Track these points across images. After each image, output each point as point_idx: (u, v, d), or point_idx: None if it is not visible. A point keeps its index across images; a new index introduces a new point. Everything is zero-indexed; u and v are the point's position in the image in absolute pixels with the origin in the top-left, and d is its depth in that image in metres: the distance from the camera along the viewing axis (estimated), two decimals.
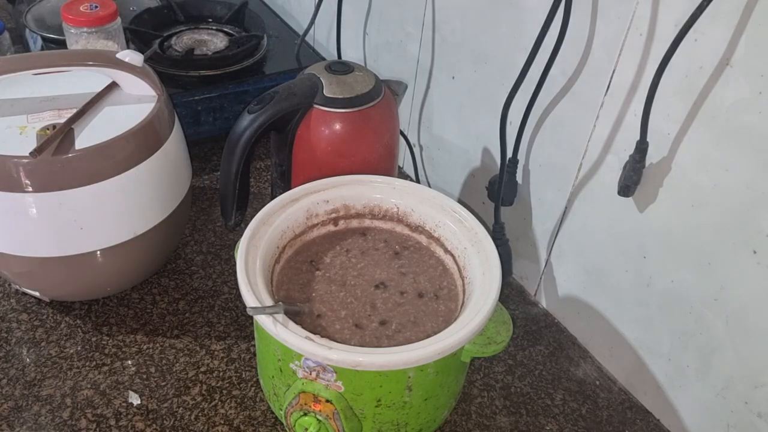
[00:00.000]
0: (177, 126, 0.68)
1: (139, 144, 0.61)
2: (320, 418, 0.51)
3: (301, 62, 0.93)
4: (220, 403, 0.62)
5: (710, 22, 0.48)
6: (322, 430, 0.51)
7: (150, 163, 0.62)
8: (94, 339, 0.67)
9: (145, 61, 0.66)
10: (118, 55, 0.64)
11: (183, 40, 0.94)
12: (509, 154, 0.67)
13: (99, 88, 0.65)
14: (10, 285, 0.71)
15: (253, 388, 0.63)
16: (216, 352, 0.66)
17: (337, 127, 0.65)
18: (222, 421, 0.60)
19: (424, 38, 0.80)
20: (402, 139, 0.82)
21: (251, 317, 0.56)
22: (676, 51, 0.49)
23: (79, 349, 0.66)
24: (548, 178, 0.68)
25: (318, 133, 0.65)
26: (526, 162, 0.70)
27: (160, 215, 0.66)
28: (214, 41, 0.94)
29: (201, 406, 0.61)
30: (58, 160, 0.57)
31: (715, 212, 0.53)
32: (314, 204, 0.62)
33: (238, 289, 0.53)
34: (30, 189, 0.57)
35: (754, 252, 0.51)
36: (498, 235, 0.71)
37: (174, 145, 0.66)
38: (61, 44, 0.86)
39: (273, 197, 0.64)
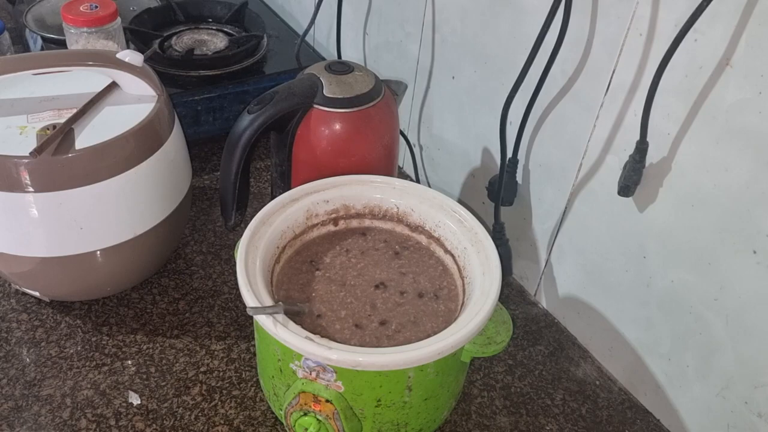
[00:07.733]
0: (177, 126, 0.68)
1: (139, 144, 0.61)
2: (320, 418, 0.51)
3: (301, 62, 0.93)
4: (220, 403, 0.62)
5: (710, 22, 0.48)
6: (322, 430, 0.51)
7: (150, 163, 0.62)
8: (94, 339, 0.67)
9: (145, 61, 0.66)
10: (118, 55, 0.64)
11: (183, 40, 0.94)
12: (509, 154, 0.67)
13: (99, 88, 0.65)
14: (10, 285, 0.71)
15: (253, 388, 0.63)
16: (216, 352, 0.66)
17: (337, 127, 0.65)
18: (222, 421, 0.60)
19: (424, 38, 0.80)
20: (402, 139, 0.82)
21: (251, 317, 0.56)
22: (676, 51, 0.49)
23: (79, 349, 0.66)
24: (548, 178, 0.68)
25: (318, 133, 0.65)
26: (526, 162, 0.70)
27: (160, 215, 0.66)
28: (214, 41, 0.94)
29: (201, 406, 0.61)
30: (58, 160, 0.57)
31: (715, 212, 0.53)
32: (314, 204, 0.62)
33: (238, 289, 0.53)
34: (30, 189, 0.57)
35: (754, 252, 0.51)
36: (498, 235, 0.71)
37: (174, 145, 0.66)
38: (61, 44, 0.86)
39: (273, 197, 0.63)
